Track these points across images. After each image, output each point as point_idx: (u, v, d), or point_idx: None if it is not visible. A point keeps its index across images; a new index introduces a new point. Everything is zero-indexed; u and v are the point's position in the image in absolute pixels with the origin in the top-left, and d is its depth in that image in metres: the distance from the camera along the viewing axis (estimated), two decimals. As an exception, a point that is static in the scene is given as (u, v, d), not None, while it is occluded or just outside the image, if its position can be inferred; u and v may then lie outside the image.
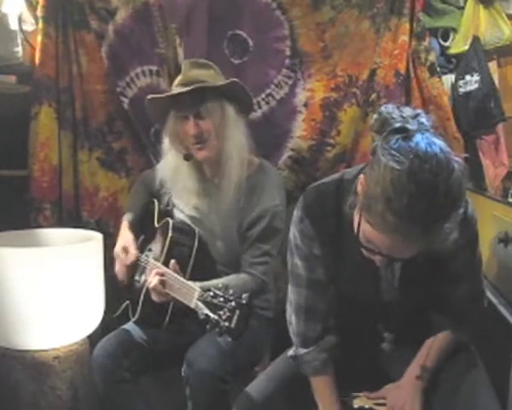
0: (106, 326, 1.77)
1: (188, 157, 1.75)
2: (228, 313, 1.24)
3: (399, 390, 1.30)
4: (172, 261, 1.58)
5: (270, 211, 1.70)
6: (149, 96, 1.78)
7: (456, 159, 1.03)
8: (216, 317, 1.26)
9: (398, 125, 1.04)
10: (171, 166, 1.82)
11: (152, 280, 1.53)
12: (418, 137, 1.02)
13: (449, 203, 1.00)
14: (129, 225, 1.84)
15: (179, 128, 1.73)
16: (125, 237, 1.80)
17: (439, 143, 1.03)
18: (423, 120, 1.07)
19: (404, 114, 1.07)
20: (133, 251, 1.76)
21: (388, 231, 1.02)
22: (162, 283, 1.52)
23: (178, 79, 1.77)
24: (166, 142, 1.81)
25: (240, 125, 1.74)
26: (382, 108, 1.10)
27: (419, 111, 1.09)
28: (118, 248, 1.78)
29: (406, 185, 0.98)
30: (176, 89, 1.73)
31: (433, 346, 1.30)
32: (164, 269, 1.56)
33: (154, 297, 1.56)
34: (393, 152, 1.01)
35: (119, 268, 1.79)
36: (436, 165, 0.99)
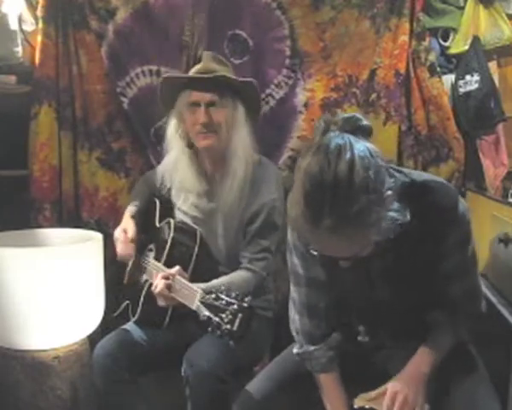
0: (106, 326, 1.77)
1: (191, 145, 1.76)
2: (230, 316, 1.24)
3: (401, 382, 1.25)
4: (177, 267, 1.55)
5: (267, 205, 1.70)
6: (166, 75, 1.78)
7: (355, 147, 1.03)
8: (218, 319, 1.25)
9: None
10: (172, 158, 1.81)
11: (158, 284, 1.50)
12: (323, 140, 1.05)
13: (343, 190, 1.00)
14: (131, 215, 1.82)
15: (188, 115, 1.72)
16: (126, 223, 1.77)
17: (340, 139, 1.04)
18: (342, 119, 1.09)
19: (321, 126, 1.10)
20: (132, 230, 1.73)
21: (308, 232, 1.06)
22: (168, 287, 1.49)
23: (197, 68, 1.77)
24: (171, 129, 1.79)
25: (247, 125, 1.75)
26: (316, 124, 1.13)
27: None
28: (117, 231, 1.76)
29: (302, 186, 1.03)
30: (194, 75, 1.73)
31: (434, 342, 1.28)
32: (168, 271, 1.54)
33: (161, 302, 1.53)
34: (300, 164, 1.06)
35: (121, 247, 1.73)
36: (323, 158, 1.02)
